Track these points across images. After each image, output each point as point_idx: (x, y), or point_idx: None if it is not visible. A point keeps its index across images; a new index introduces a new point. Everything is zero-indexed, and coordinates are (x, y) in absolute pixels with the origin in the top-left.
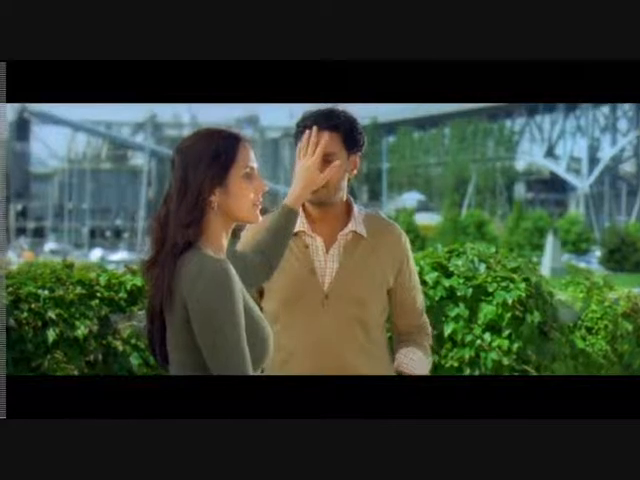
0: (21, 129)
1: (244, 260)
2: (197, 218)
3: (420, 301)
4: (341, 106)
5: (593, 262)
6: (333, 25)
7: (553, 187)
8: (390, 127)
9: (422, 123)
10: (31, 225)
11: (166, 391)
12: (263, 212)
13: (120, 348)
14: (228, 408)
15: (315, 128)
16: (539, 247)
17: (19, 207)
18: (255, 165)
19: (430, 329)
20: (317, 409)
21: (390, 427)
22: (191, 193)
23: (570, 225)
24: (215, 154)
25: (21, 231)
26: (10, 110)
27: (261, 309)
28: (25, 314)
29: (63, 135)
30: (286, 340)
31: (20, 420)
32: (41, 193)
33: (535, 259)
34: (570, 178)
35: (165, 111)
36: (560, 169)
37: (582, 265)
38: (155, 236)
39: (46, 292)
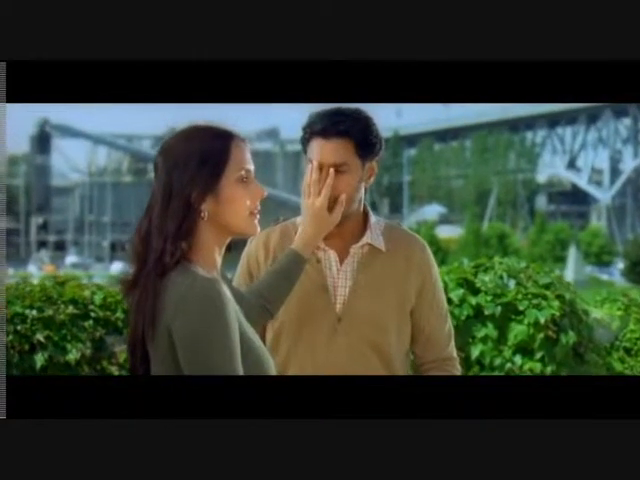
0: (42, 143)
1: (239, 298)
2: (184, 230)
3: (447, 328)
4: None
5: (615, 274)
6: (333, 25)
7: (575, 199)
8: (411, 140)
9: (443, 135)
10: (52, 238)
11: (167, 391)
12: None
13: (116, 374)
14: (228, 408)
15: (316, 163)
16: (561, 259)
17: (40, 220)
18: (251, 167)
19: (457, 358)
20: (317, 409)
21: (392, 427)
22: (177, 201)
23: (592, 237)
24: (204, 155)
25: (42, 244)
26: (31, 124)
27: (263, 333)
28: (10, 337)
29: (84, 148)
30: (293, 369)
31: (20, 420)
32: (62, 206)
33: (558, 271)
34: (592, 190)
35: (185, 124)
36: (582, 181)
37: (604, 277)
38: (136, 252)
39: (34, 312)
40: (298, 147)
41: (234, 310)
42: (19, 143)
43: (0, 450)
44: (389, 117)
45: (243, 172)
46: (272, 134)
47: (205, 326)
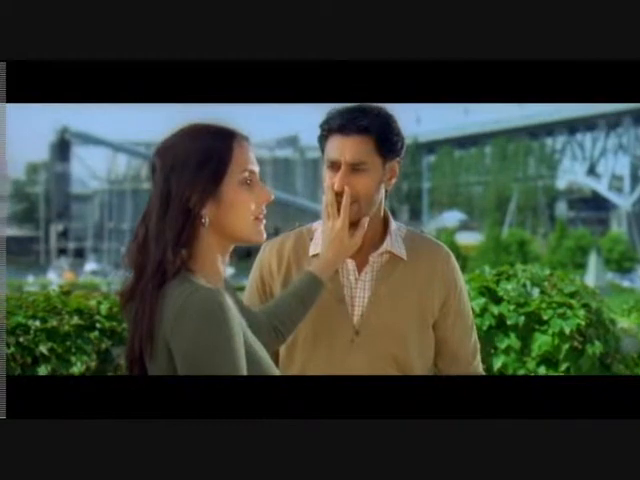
0: (62, 150)
1: (247, 312)
2: (184, 238)
3: (473, 342)
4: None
5: (637, 281)
6: (333, 25)
7: (595, 205)
8: (431, 146)
9: (463, 142)
10: (72, 246)
11: (167, 391)
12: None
13: None
14: (229, 408)
15: (331, 184)
16: (581, 266)
17: (60, 228)
18: (256, 168)
19: (483, 374)
20: (319, 409)
21: (397, 427)
22: (175, 206)
23: (613, 244)
24: (204, 156)
25: (62, 252)
26: (51, 131)
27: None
28: (12, 349)
29: (103, 156)
30: None
31: (20, 420)
32: (82, 214)
33: (578, 278)
34: (612, 196)
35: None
36: (602, 187)
37: (626, 284)
38: (133, 262)
39: (37, 323)
40: (318, 154)
41: (238, 323)
42: (39, 151)
43: (0, 450)
44: (408, 124)
45: (246, 173)
46: (292, 141)
47: (205, 341)
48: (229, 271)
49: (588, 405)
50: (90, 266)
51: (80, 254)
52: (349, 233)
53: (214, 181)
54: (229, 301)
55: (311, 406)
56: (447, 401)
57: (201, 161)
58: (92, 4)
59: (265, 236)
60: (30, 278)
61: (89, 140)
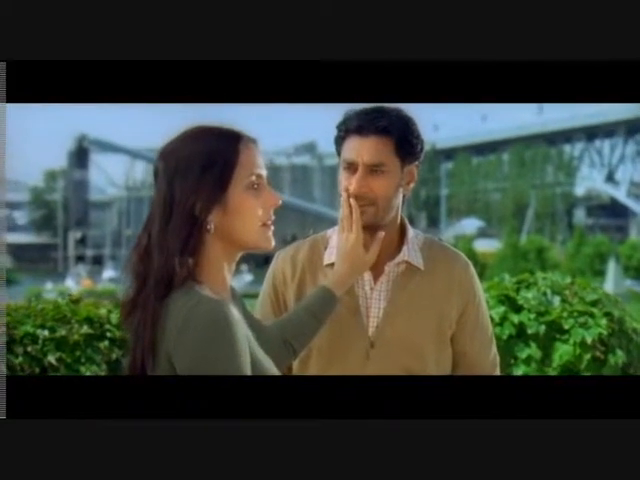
0: (80, 158)
1: (256, 324)
2: (189, 246)
3: (492, 355)
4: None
5: None
6: (333, 25)
7: (613, 212)
8: (449, 153)
9: (481, 149)
10: (90, 253)
11: (168, 391)
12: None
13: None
14: (229, 408)
15: (347, 186)
16: (600, 273)
17: (78, 235)
18: (263, 172)
19: None
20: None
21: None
22: (179, 213)
23: (632, 251)
24: (209, 159)
25: (80, 259)
26: (69, 139)
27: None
28: (20, 358)
29: (121, 163)
30: None
31: (20, 420)
32: (100, 221)
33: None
34: (631, 203)
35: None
36: (620, 194)
37: None
38: (135, 271)
39: (46, 332)
40: (336, 161)
41: (244, 336)
42: (58, 158)
43: (0, 450)
44: (426, 131)
45: (254, 177)
46: (309, 148)
47: (209, 356)
48: (248, 278)
49: (587, 405)
50: (108, 273)
51: (98, 261)
52: (365, 246)
53: (219, 186)
54: (235, 312)
55: (311, 406)
56: (446, 401)
57: (206, 165)
58: (92, 4)
59: (273, 243)
60: (48, 285)
61: (107, 147)
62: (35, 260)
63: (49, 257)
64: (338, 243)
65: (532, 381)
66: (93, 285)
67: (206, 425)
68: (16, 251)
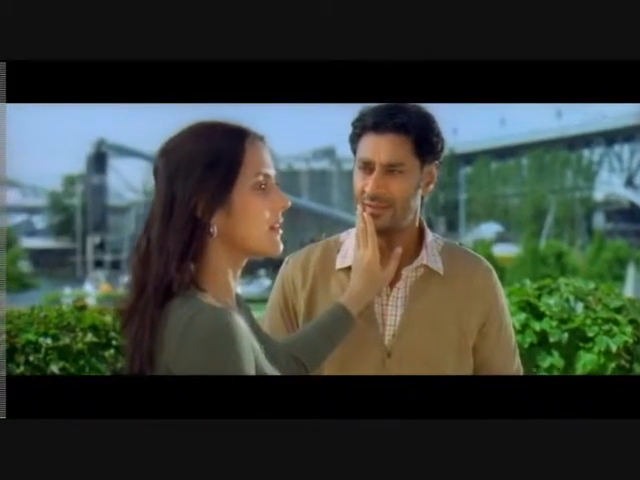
0: (98, 162)
1: (263, 336)
2: (189, 249)
3: (515, 366)
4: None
5: None
6: (333, 25)
7: (633, 217)
8: (468, 158)
9: (500, 153)
10: (108, 258)
11: (168, 391)
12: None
13: None
14: (230, 408)
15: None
16: (620, 278)
17: (97, 240)
18: (271, 172)
19: None
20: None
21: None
22: (180, 214)
23: None
24: (212, 158)
25: (98, 264)
26: (87, 144)
27: None
28: (22, 367)
29: (139, 168)
30: None
31: (20, 420)
32: (118, 226)
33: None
34: None
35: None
36: None
37: None
38: (134, 276)
39: (49, 340)
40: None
41: (249, 346)
42: (76, 163)
43: (0, 450)
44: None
45: (260, 177)
46: (328, 153)
47: (210, 367)
48: (266, 283)
49: (587, 405)
50: (126, 278)
51: (116, 266)
52: (381, 252)
53: (223, 186)
54: (240, 321)
55: (311, 406)
56: (446, 402)
57: (209, 164)
58: (92, 4)
59: (282, 248)
60: (67, 290)
61: (125, 152)
62: (54, 265)
63: (68, 262)
64: (354, 261)
65: (534, 381)
66: (112, 290)
67: (206, 425)
68: (35, 256)
